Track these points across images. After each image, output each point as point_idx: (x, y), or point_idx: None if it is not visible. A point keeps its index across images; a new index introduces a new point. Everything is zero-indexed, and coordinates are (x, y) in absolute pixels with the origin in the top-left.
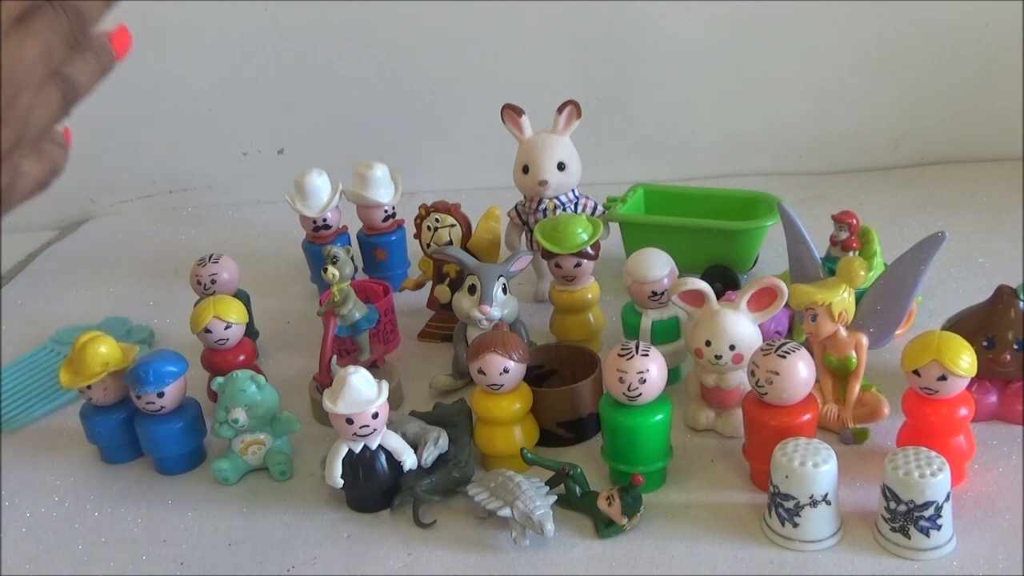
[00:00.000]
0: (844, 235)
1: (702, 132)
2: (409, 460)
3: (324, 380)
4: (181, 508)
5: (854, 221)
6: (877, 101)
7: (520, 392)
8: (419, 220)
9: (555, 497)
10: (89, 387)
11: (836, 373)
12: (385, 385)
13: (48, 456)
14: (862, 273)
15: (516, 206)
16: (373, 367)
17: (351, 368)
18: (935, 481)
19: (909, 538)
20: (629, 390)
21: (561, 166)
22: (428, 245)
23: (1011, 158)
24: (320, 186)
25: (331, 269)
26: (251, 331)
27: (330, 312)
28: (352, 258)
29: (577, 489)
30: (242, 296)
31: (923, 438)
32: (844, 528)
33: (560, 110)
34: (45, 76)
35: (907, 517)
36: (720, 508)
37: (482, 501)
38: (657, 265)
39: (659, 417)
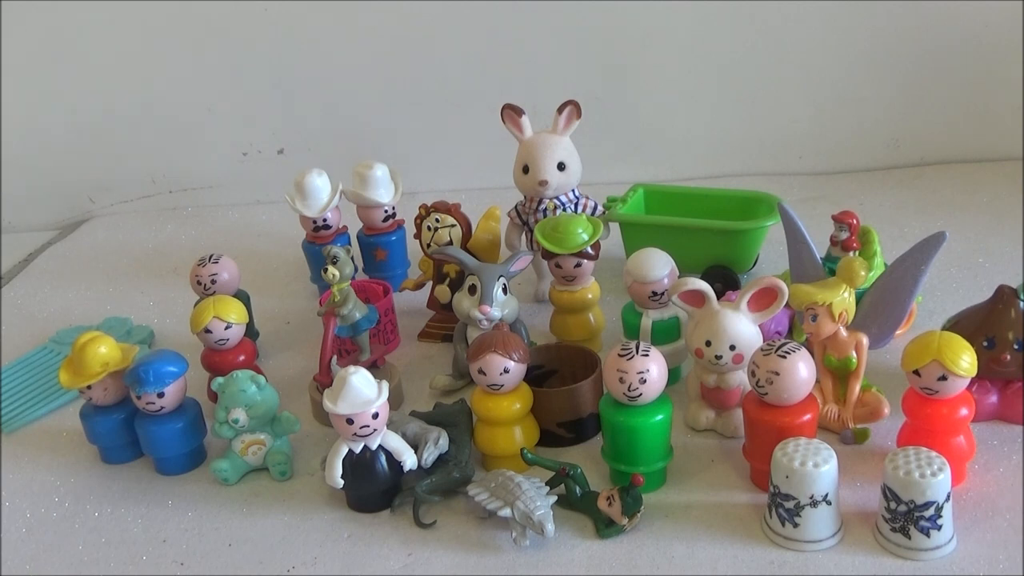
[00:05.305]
0: (844, 235)
1: (702, 132)
2: (409, 460)
3: (324, 380)
4: (181, 508)
5: (854, 221)
6: (877, 101)
7: (520, 392)
8: (419, 220)
9: (555, 497)
10: (89, 387)
11: (836, 373)
12: (385, 385)
13: (48, 456)
14: (862, 273)
15: (516, 206)
16: (373, 367)
17: (351, 368)
18: (935, 481)
19: (909, 538)
20: (629, 390)
21: (561, 166)
22: (428, 245)
23: (1011, 158)
24: (320, 186)
25: (331, 269)
26: (251, 331)
27: (330, 312)
28: (352, 258)
29: (577, 489)
30: (242, 296)
31: (923, 438)
32: (844, 528)
33: (560, 110)
34: None
35: (907, 517)
36: (720, 508)
37: (482, 501)
38: (657, 265)
39: (659, 417)
